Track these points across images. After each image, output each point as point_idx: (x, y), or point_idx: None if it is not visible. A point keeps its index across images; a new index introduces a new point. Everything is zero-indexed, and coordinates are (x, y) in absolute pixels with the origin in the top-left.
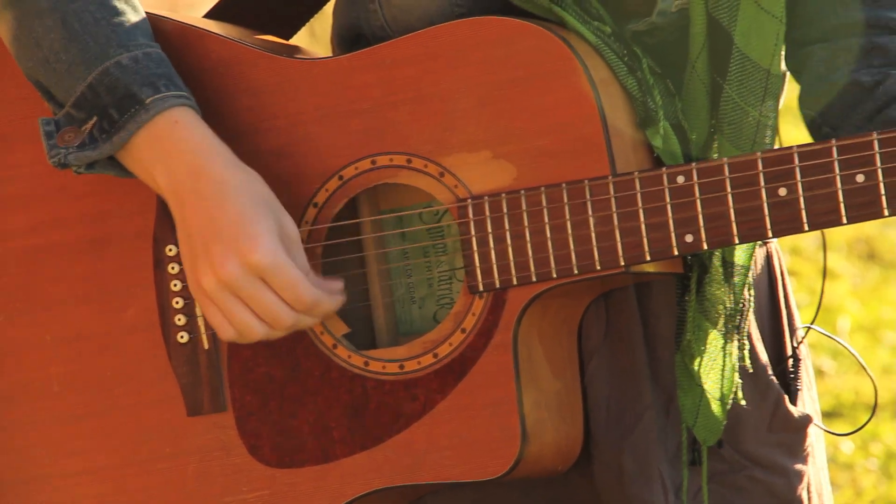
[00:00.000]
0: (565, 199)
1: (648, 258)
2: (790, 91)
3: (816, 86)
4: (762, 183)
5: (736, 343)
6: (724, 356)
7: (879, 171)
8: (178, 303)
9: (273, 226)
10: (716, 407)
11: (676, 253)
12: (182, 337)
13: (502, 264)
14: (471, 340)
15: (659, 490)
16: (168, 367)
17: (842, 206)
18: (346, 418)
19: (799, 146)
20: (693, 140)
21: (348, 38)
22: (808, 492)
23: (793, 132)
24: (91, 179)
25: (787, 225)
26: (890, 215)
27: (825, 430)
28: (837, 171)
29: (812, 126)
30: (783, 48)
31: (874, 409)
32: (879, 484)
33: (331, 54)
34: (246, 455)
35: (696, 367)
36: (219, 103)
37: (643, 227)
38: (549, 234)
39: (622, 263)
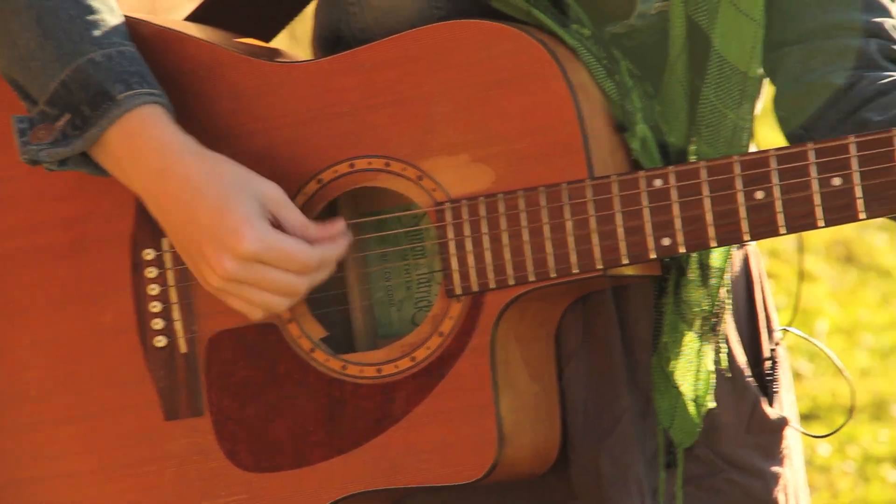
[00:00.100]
0: (543, 203)
1: (625, 261)
2: (767, 94)
3: (791, 87)
4: (739, 186)
5: (712, 345)
6: (701, 358)
7: (856, 175)
8: (155, 307)
9: (250, 206)
10: (692, 409)
11: (653, 256)
12: (159, 341)
13: (480, 268)
14: (448, 344)
15: (636, 493)
16: (145, 372)
17: (818, 209)
18: (324, 422)
19: (776, 149)
20: (671, 143)
21: (329, 40)
22: (785, 494)
23: (770, 135)
24: (70, 183)
25: (765, 228)
26: (866, 219)
27: (802, 433)
28: (814, 174)
29: (786, 127)
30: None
31: (851, 411)
32: (856, 486)
33: (311, 57)
34: (223, 459)
35: (672, 370)
36: (198, 107)
37: (620, 230)
38: (526, 238)
39: (599, 266)
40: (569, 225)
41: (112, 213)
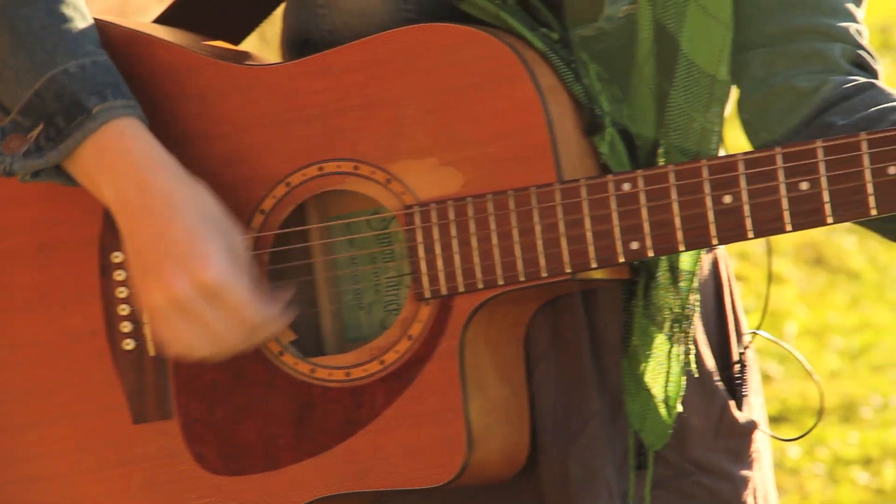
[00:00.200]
0: (512, 207)
1: (594, 265)
2: (736, 98)
3: (755, 90)
4: (707, 190)
5: (683, 348)
6: (671, 360)
7: (823, 179)
8: (123, 310)
9: (222, 243)
10: (663, 411)
11: (622, 260)
12: (128, 344)
13: (449, 271)
14: (417, 348)
15: (605, 496)
16: (114, 375)
17: (786, 213)
18: (293, 425)
19: (744, 154)
20: (640, 146)
21: (297, 43)
22: (754, 497)
23: (739, 139)
24: (37, 186)
25: (733, 232)
26: (834, 223)
27: (771, 436)
28: (782, 178)
29: (750, 130)
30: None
31: (820, 413)
32: (826, 489)
33: (280, 59)
34: (192, 462)
35: (642, 372)
36: (166, 109)
37: (589, 234)
38: (495, 241)
39: (568, 270)
40: (538, 229)
41: (80, 217)
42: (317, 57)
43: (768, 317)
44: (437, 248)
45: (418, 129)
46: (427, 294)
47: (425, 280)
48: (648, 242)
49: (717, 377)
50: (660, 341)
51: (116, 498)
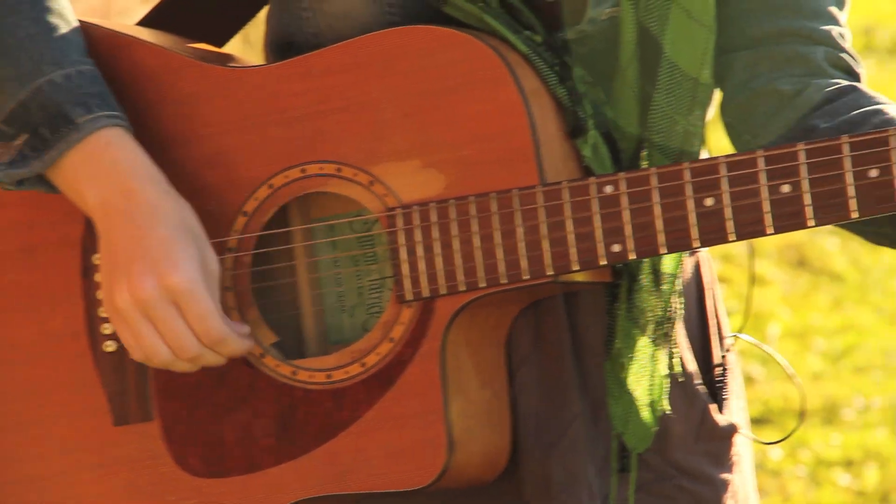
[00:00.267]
0: (494, 209)
1: (576, 267)
2: (719, 100)
3: (738, 93)
4: (689, 193)
5: (666, 350)
6: (654, 363)
7: (805, 182)
8: (104, 312)
9: (196, 256)
10: (646, 414)
11: (604, 263)
12: (109, 346)
13: (431, 273)
14: (399, 350)
15: (587, 499)
16: (95, 376)
17: (768, 216)
18: (274, 428)
19: (726, 156)
20: (623, 149)
21: (281, 45)
22: (735, 501)
23: (722, 142)
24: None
25: (714, 235)
26: (815, 226)
27: (753, 439)
28: (763, 181)
29: (732, 133)
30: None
31: (802, 415)
32: (808, 491)
33: (264, 62)
34: (173, 465)
35: (625, 375)
36: (149, 112)
37: (571, 236)
38: (477, 244)
39: (550, 273)
40: (520, 231)
41: (62, 219)
42: (299, 59)
43: (751, 318)
44: (420, 251)
45: (397, 133)
46: (409, 296)
47: (407, 282)
48: (630, 245)
49: (698, 380)
50: (643, 344)
51: (99, 500)
